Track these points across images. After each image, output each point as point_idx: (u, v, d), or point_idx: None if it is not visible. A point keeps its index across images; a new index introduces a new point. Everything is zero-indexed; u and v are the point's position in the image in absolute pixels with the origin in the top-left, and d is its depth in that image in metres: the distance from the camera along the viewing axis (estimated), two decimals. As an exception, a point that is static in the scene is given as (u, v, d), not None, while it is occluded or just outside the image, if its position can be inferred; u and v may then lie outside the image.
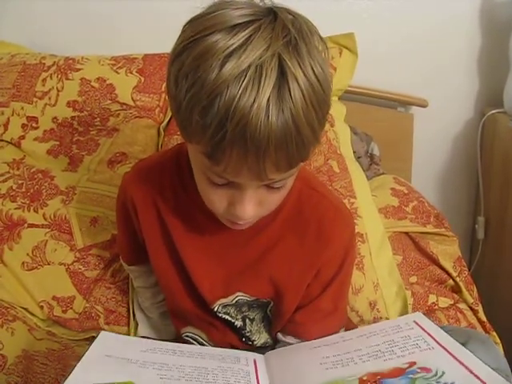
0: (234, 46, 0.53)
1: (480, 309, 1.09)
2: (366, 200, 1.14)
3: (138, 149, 1.22)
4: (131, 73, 1.29)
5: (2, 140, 1.26)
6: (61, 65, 1.29)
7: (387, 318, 1.00)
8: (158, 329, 0.99)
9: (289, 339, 0.83)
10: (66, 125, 1.25)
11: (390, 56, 1.53)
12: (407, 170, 1.57)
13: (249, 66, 0.53)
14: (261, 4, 0.59)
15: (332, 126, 1.24)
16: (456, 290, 1.13)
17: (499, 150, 1.51)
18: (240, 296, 0.81)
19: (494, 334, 1.05)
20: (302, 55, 0.55)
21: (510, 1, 1.47)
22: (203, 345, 0.86)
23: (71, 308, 1.06)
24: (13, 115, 1.26)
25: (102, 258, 1.10)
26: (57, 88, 1.26)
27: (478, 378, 0.60)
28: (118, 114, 1.25)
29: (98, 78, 1.27)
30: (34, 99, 1.26)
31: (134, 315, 1.04)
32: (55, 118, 1.25)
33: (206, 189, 0.65)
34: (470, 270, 1.29)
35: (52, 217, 1.12)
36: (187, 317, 0.86)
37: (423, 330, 0.72)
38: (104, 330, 1.04)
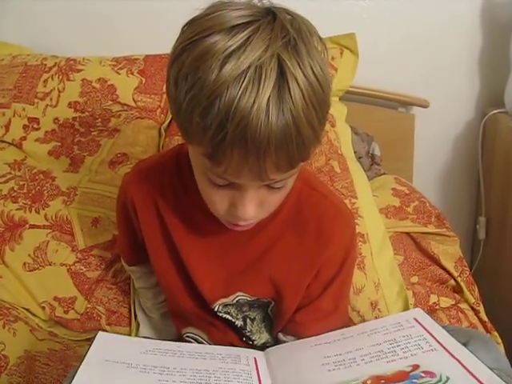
0: (234, 47, 0.54)
1: (481, 309, 1.09)
2: (367, 200, 1.14)
3: (139, 149, 1.22)
4: (132, 73, 1.29)
5: (4, 141, 1.26)
6: (62, 66, 1.29)
7: (388, 318, 1.00)
8: (159, 329, 0.99)
9: (289, 339, 0.83)
10: (68, 126, 1.25)
11: (390, 56, 1.53)
12: (408, 170, 1.57)
13: (248, 67, 0.53)
14: (259, 5, 0.59)
15: (333, 126, 1.24)
16: (457, 290, 1.13)
17: (500, 150, 1.51)
18: (240, 296, 0.81)
19: (496, 333, 1.05)
20: (302, 55, 0.55)
21: (510, 1, 1.47)
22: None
23: (73, 309, 1.06)
24: (14, 116, 1.26)
25: (104, 259, 1.10)
26: (58, 89, 1.27)
27: (480, 382, 0.60)
28: (119, 114, 1.25)
29: (99, 79, 1.27)
30: (36, 100, 1.26)
31: (135, 316, 1.04)
32: (56, 118, 1.25)
33: (207, 190, 0.65)
34: (471, 270, 1.29)
35: (53, 217, 1.12)
36: (188, 317, 0.86)
37: (424, 328, 0.72)
38: (106, 330, 1.04)
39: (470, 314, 1.07)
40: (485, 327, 1.06)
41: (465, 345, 0.69)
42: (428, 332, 0.71)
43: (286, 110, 0.54)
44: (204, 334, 0.86)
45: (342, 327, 0.81)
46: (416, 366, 0.64)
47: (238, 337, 0.85)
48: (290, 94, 0.54)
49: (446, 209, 1.50)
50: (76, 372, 0.63)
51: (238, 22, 0.55)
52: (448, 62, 1.56)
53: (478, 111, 1.62)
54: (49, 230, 1.11)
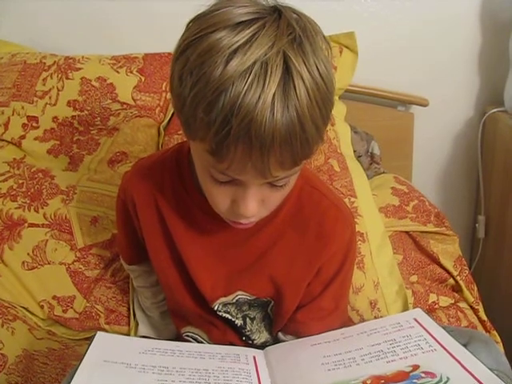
0: (239, 43, 0.54)
1: (480, 308, 1.10)
2: (366, 199, 1.14)
3: (138, 148, 1.22)
4: (131, 72, 1.29)
5: (3, 140, 1.25)
6: (61, 64, 1.29)
7: (388, 317, 1.00)
8: (158, 328, 0.99)
9: (289, 338, 0.83)
10: (67, 124, 1.25)
11: (390, 55, 1.52)
12: (407, 169, 1.57)
13: (254, 63, 0.53)
14: (264, 3, 0.59)
15: (332, 125, 1.23)
16: (456, 289, 1.13)
17: (500, 148, 1.51)
18: (240, 295, 0.81)
19: (495, 332, 1.05)
20: (307, 53, 0.55)
21: (510, 0, 1.47)
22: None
23: (71, 307, 1.06)
24: (13, 115, 1.26)
25: (103, 258, 1.10)
26: (57, 87, 1.26)
27: (480, 383, 0.60)
28: (119, 113, 1.25)
29: (98, 78, 1.27)
30: (35, 99, 1.26)
31: (134, 315, 1.04)
32: (55, 117, 1.25)
33: (209, 187, 0.65)
34: (470, 269, 1.29)
35: (52, 216, 1.12)
36: (187, 316, 0.86)
37: (424, 328, 0.72)
38: (104, 329, 1.04)
39: (469, 313, 1.07)
40: (484, 326, 1.06)
41: (465, 345, 0.69)
42: (428, 332, 0.71)
43: (291, 106, 0.54)
44: (203, 334, 0.87)
45: (342, 326, 0.81)
46: (416, 367, 0.64)
47: (238, 336, 0.85)
48: (296, 90, 0.54)
49: (445, 208, 1.50)
50: (75, 372, 0.63)
51: (244, 19, 0.55)
52: (447, 60, 1.56)
53: (478, 110, 1.61)
54: (48, 229, 1.11)
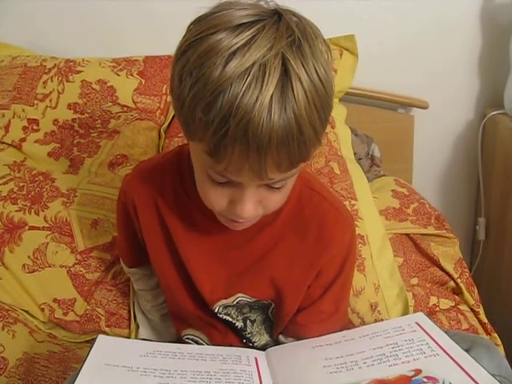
0: (238, 45, 0.54)
1: (481, 310, 1.09)
2: (366, 202, 1.14)
3: (138, 151, 1.22)
4: (132, 75, 1.29)
5: (3, 142, 1.25)
6: (61, 67, 1.29)
7: (388, 320, 1.00)
8: (158, 331, 0.99)
9: (290, 341, 0.83)
10: (67, 127, 1.25)
11: (390, 57, 1.53)
12: (408, 172, 1.57)
13: (252, 65, 0.53)
14: (265, 6, 0.59)
15: (333, 127, 1.24)
16: (457, 291, 1.13)
17: (500, 151, 1.51)
18: (241, 297, 0.81)
19: (496, 335, 1.04)
20: (306, 56, 0.56)
21: (510, 2, 1.47)
22: (204, 347, 0.86)
23: (72, 310, 1.06)
24: (14, 117, 1.26)
25: (103, 261, 1.10)
26: (58, 90, 1.26)
27: None
28: (119, 116, 1.25)
29: (98, 81, 1.27)
30: (35, 101, 1.26)
31: (135, 317, 1.04)
32: (56, 120, 1.25)
33: (205, 187, 0.65)
34: (470, 272, 1.29)
35: (53, 219, 1.12)
36: (188, 318, 0.86)
37: (426, 332, 0.72)
38: (105, 332, 1.04)
39: (470, 315, 1.07)
40: (484, 329, 1.06)
41: (467, 350, 0.68)
42: (430, 337, 0.71)
43: (289, 108, 0.54)
44: (204, 336, 0.86)
45: (342, 329, 0.81)
46: (418, 371, 0.64)
47: (239, 338, 0.85)
48: (293, 92, 0.54)
49: (445, 210, 1.50)
50: (76, 376, 0.63)
51: (244, 21, 0.56)
52: (447, 63, 1.56)
53: (478, 112, 1.62)
54: (48, 232, 1.11)
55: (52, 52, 1.39)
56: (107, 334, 1.04)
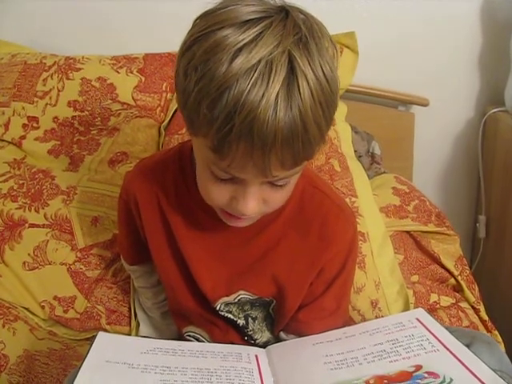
0: (245, 41, 0.54)
1: (481, 307, 1.09)
2: (367, 199, 1.14)
3: (138, 148, 1.22)
4: (132, 72, 1.29)
5: (3, 140, 1.25)
6: (61, 64, 1.29)
7: (389, 317, 1.00)
8: (159, 328, 0.99)
9: (291, 338, 0.83)
10: (67, 125, 1.25)
11: (390, 55, 1.52)
12: (408, 169, 1.57)
13: (259, 61, 0.53)
14: (272, 2, 0.59)
15: (333, 124, 1.22)
16: (457, 288, 1.13)
17: (500, 148, 1.51)
18: (242, 294, 0.81)
19: (496, 332, 1.05)
20: (312, 53, 0.55)
21: (510, 0, 1.47)
22: (205, 344, 0.86)
23: (72, 308, 1.06)
24: (13, 115, 1.26)
25: (104, 258, 1.10)
26: (57, 88, 1.26)
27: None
28: (119, 113, 1.25)
29: (98, 78, 1.27)
30: (35, 99, 1.26)
31: (135, 315, 1.04)
32: (56, 117, 1.25)
33: (207, 183, 0.65)
34: (471, 269, 1.29)
35: (53, 217, 1.12)
36: (189, 316, 0.86)
37: (426, 328, 0.72)
38: (106, 329, 1.04)
39: (471, 312, 1.07)
40: (485, 326, 1.06)
41: (468, 346, 0.69)
42: (430, 332, 0.71)
43: (294, 105, 0.54)
44: (205, 333, 0.86)
45: (343, 326, 0.81)
46: (419, 367, 0.64)
47: (240, 336, 0.85)
48: (299, 90, 0.54)
49: (446, 207, 1.49)
50: (76, 374, 0.63)
51: (251, 18, 0.55)
52: (448, 60, 1.56)
53: (478, 110, 1.61)
54: (48, 229, 1.11)
55: (52, 50, 1.39)
56: (107, 331, 1.04)
